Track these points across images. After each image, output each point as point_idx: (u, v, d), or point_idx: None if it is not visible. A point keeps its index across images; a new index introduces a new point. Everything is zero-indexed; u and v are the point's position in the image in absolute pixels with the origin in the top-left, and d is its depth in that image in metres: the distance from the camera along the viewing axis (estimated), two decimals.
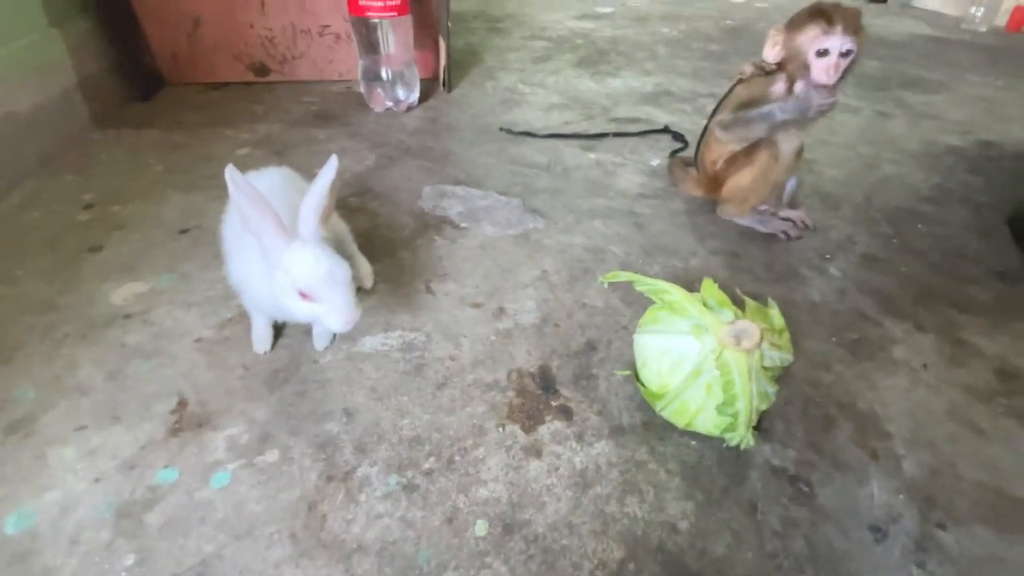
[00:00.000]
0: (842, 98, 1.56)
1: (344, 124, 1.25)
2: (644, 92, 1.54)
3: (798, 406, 0.59)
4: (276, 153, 1.09)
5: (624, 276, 0.57)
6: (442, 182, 1.02)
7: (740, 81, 0.84)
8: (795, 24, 0.74)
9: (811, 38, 0.72)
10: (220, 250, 0.61)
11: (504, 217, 0.92)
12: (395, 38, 1.23)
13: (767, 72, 0.79)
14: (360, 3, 1.16)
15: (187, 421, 0.54)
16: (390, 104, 1.32)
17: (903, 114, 1.46)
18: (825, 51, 0.72)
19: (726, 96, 0.87)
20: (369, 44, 1.23)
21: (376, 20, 1.18)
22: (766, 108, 0.78)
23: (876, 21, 2.79)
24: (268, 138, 1.15)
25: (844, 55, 0.72)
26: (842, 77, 0.74)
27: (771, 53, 0.76)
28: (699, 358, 0.50)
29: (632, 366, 0.59)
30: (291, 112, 1.30)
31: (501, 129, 1.25)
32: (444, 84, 1.48)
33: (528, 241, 0.86)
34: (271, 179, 0.63)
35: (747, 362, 0.48)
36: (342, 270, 0.50)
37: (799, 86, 0.76)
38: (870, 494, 0.50)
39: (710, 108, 0.90)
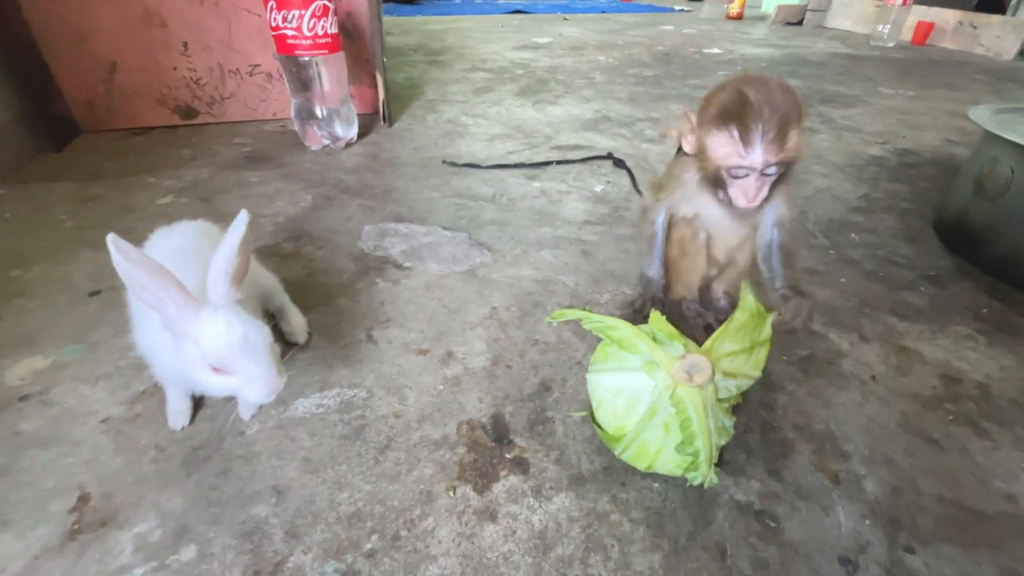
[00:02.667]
0: None
1: (279, 165, 1.20)
2: (584, 119, 1.56)
3: (756, 432, 0.57)
4: (203, 200, 1.02)
5: (571, 314, 0.54)
6: (383, 220, 0.98)
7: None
8: (704, 121, 0.49)
9: (722, 154, 0.48)
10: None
11: (450, 253, 0.89)
12: (328, 75, 1.20)
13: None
14: (288, 42, 1.12)
15: (88, 520, 0.47)
16: (327, 142, 1.28)
17: (827, 128, 1.54)
18: (742, 172, 0.48)
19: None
20: (301, 82, 1.19)
21: (306, 58, 1.15)
22: (646, 262, 0.63)
23: (795, 42, 2.99)
24: (195, 184, 1.08)
25: (767, 173, 0.47)
26: (776, 184, 0.49)
27: (687, 143, 0.52)
28: (653, 396, 0.48)
29: (588, 406, 0.56)
30: (221, 155, 1.23)
31: (444, 162, 1.23)
32: (384, 118, 1.45)
33: (475, 277, 0.83)
34: (183, 236, 0.57)
35: (702, 398, 0.46)
36: (259, 336, 0.45)
37: (721, 193, 0.51)
38: (836, 522, 0.49)
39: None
